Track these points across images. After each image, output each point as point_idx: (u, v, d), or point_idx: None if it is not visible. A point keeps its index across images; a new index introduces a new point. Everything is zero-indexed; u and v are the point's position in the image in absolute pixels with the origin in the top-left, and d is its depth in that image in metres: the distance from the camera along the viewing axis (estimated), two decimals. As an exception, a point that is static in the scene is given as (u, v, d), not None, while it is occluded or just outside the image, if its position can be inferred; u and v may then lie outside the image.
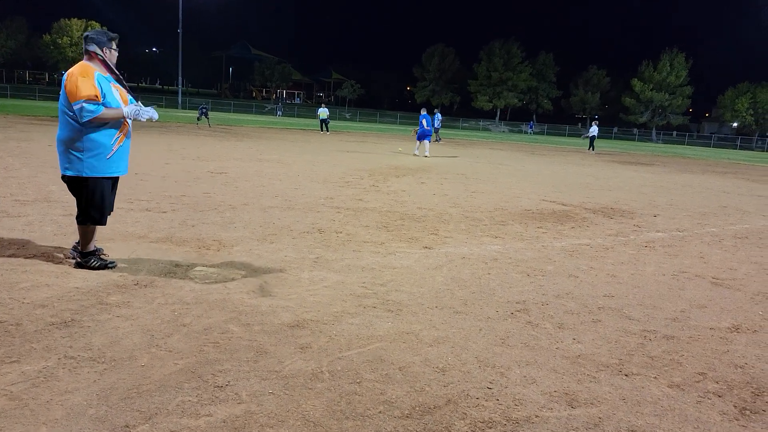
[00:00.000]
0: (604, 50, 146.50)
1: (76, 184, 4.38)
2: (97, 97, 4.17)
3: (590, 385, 3.09)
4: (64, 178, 4.40)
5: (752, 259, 6.62)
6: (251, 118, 53.76)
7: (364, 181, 11.40)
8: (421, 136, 19.85)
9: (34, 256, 4.68)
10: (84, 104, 4.12)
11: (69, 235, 5.35)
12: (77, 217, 4.48)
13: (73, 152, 4.28)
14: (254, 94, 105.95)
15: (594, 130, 34.30)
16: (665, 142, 76.54)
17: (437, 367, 3.18)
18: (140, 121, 4.43)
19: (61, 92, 4.27)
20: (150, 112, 4.43)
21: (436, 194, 10.26)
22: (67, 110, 4.24)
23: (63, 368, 2.86)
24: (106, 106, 4.23)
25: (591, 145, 34.44)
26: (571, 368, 3.30)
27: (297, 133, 30.58)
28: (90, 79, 4.18)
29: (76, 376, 2.80)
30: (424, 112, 20.05)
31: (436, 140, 31.91)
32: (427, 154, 19.75)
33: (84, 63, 4.31)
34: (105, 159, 4.36)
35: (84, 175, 4.31)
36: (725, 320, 4.36)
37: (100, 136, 4.30)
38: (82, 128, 4.24)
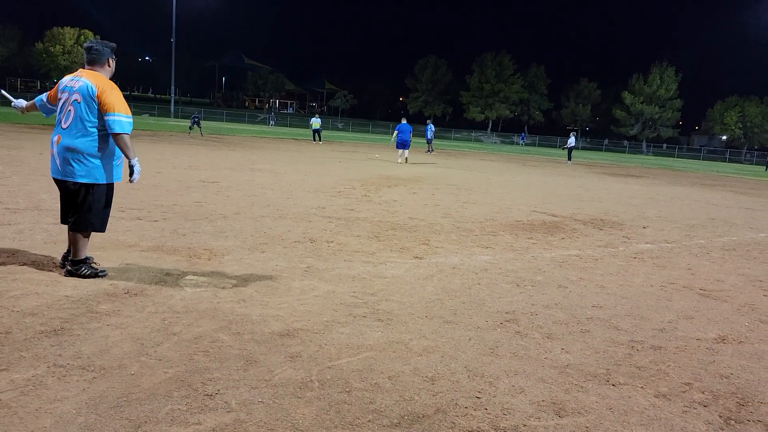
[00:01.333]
0: (595, 63, 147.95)
1: (84, 191, 4.39)
2: (127, 113, 4.43)
3: (578, 395, 3.12)
4: (75, 185, 4.38)
5: (739, 270, 6.69)
6: (244, 127, 53.75)
7: (356, 191, 11.43)
8: (399, 145, 21.18)
9: (24, 265, 4.66)
10: (124, 118, 4.35)
11: (60, 243, 5.34)
12: (72, 225, 4.47)
13: (91, 159, 4.35)
14: (247, 104, 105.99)
15: (572, 141, 34.73)
16: (655, 154, 77.17)
17: (426, 377, 3.20)
18: (133, 176, 4.59)
19: (81, 101, 4.28)
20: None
21: (428, 204, 10.31)
22: (91, 119, 4.30)
23: (52, 376, 2.86)
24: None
25: (569, 156, 34.88)
26: (559, 378, 3.33)
27: (289, 143, 30.62)
28: (120, 93, 4.43)
29: (65, 384, 2.80)
30: (403, 121, 21.68)
31: (429, 151, 32.05)
32: (400, 161, 21.05)
33: (102, 76, 4.44)
34: (116, 166, 4.56)
35: (99, 181, 4.41)
36: (712, 331, 4.41)
37: (114, 144, 4.50)
38: (103, 136, 4.37)
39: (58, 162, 4.38)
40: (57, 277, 4.42)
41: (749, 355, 3.95)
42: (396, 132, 21.35)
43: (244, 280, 4.75)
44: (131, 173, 4.53)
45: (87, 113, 4.29)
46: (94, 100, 4.27)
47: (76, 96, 4.30)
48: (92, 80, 4.32)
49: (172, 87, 64.84)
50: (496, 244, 7.16)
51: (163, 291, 4.31)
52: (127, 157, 4.49)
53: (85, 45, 4.53)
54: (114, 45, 4.57)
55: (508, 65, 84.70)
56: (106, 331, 3.48)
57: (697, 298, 5.33)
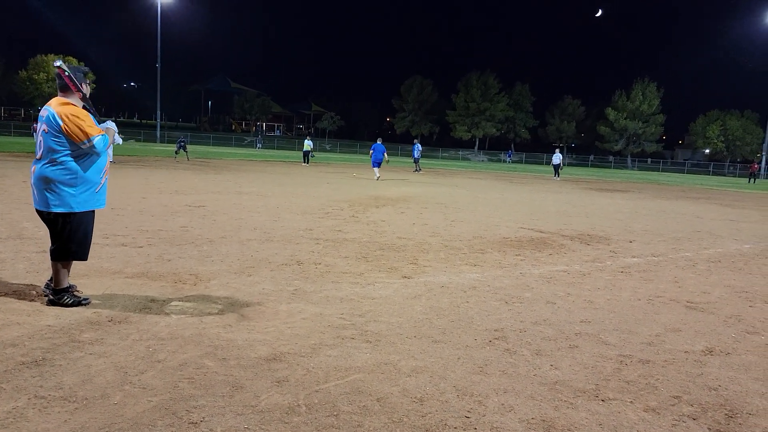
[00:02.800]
0: (578, 80, 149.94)
1: (61, 220, 4.34)
2: (100, 132, 4.37)
3: (567, 411, 3.11)
4: (50, 214, 4.34)
5: (725, 282, 6.73)
6: (231, 150, 53.75)
7: (343, 212, 11.42)
8: (375, 163, 23.37)
9: (5, 294, 4.59)
10: (99, 139, 4.32)
11: (42, 272, 5.28)
12: (53, 254, 4.42)
13: (65, 188, 4.29)
14: (234, 127, 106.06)
15: (557, 157, 35.04)
16: (640, 169, 77.99)
17: (415, 397, 3.18)
18: (117, 143, 4.74)
19: (48, 131, 4.24)
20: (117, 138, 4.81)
21: (416, 224, 10.31)
22: (58, 148, 4.25)
23: (33, 408, 2.80)
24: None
25: (556, 171, 35.16)
26: (549, 395, 3.31)
27: (277, 165, 30.64)
28: (88, 118, 4.35)
29: (47, 416, 2.74)
30: (378, 141, 23.99)
31: (416, 170, 32.22)
32: (377, 177, 22.87)
33: (69, 102, 4.36)
34: (94, 192, 4.47)
35: (75, 210, 4.34)
36: (699, 343, 4.42)
37: (92, 172, 4.43)
38: (76, 165, 4.32)
39: (35, 192, 4.36)
40: (39, 307, 4.36)
41: (737, 367, 3.95)
42: (371, 151, 23.55)
43: (230, 305, 4.70)
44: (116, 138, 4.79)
45: (53, 143, 4.24)
46: (60, 131, 4.21)
47: (43, 126, 4.27)
48: (56, 110, 4.26)
49: (158, 112, 64.84)
50: (485, 261, 7.16)
51: (147, 318, 4.25)
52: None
53: (56, 71, 4.47)
54: (87, 69, 4.57)
55: (493, 84, 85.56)
56: (88, 360, 3.42)
57: (684, 311, 5.35)
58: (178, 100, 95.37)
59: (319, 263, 6.50)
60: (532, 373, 3.63)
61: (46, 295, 4.48)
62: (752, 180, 48.93)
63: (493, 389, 3.35)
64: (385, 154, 23.44)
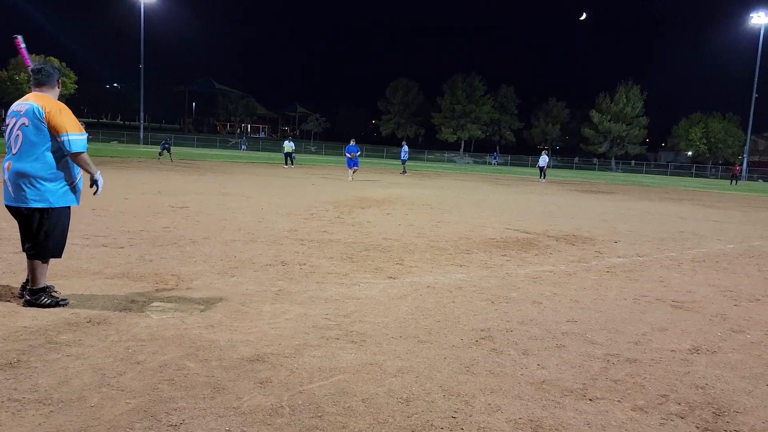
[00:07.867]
0: (562, 83, 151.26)
1: (38, 216, 4.24)
2: (80, 129, 4.30)
3: (555, 411, 3.07)
4: (27, 210, 4.23)
5: (710, 281, 6.76)
6: (215, 152, 53.39)
7: (329, 213, 11.35)
8: (349, 163, 25.18)
9: (-20, 296, 4.47)
10: (78, 136, 4.24)
11: (18, 273, 5.15)
12: (29, 253, 4.31)
13: (43, 183, 4.20)
14: (218, 129, 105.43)
15: (543, 160, 35.24)
16: (624, 171, 78.61)
17: (401, 398, 3.12)
18: (97, 191, 4.56)
19: (29, 124, 4.14)
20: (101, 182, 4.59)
21: (402, 225, 10.27)
22: (40, 141, 4.16)
23: (6, 412, 2.71)
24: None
25: (542, 174, 35.32)
26: (536, 394, 3.27)
27: (262, 167, 30.46)
28: (71, 113, 4.30)
29: (20, 419, 2.65)
30: (353, 142, 25.66)
31: (402, 172, 32.23)
32: (350, 178, 24.19)
33: (50, 98, 4.29)
34: (72, 188, 4.41)
35: (53, 205, 4.25)
36: (685, 342, 4.41)
37: (72, 166, 4.38)
38: (56, 159, 4.24)
39: (10, 188, 4.24)
40: (15, 308, 4.24)
41: (723, 365, 3.95)
42: (347, 153, 25.49)
43: (212, 305, 4.62)
44: (93, 185, 4.48)
45: (36, 136, 4.16)
46: (43, 122, 4.14)
47: (23, 120, 4.17)
48: (39, 102, 4.19)
49: (141, 113, 64.29)
50: (471, 262, 7.13)
51: (127, 319, 4.15)
52: (89, 172, 4.43)
53: (34, 67, 4.35)
54: (57, 66, 4.55)
55: (478, 86, 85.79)
56: (65, 362, 3.32)
57: (670, 310, 5.35)
58: (162, 102, 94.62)
59: (304, 264, 6.43)
60: (519, 373, 3.59)
61: (22, 296, 4.37)
62: (734, 182, 49.56)
63: (480, 389, 3.30)
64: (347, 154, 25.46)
